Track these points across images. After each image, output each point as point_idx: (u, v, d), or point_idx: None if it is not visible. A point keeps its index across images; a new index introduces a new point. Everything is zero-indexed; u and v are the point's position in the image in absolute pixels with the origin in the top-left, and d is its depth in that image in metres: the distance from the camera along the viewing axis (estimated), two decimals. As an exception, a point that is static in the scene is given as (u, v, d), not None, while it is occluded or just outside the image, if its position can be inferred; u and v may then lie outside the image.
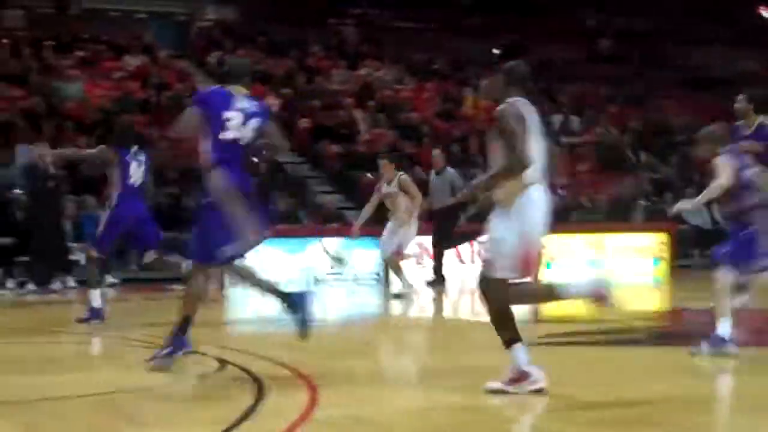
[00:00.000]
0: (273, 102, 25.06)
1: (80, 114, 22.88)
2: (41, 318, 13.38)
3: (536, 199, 6.92)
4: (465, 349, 10.11)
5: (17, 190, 17.65)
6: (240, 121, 8.43)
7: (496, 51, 33.56)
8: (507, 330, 6.95)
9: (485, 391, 6.88)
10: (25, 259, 17.24)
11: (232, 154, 8.47)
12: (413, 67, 30.26)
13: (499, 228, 6.98)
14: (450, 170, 17.86)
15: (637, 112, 30.06)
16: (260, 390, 7.13)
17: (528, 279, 7.35)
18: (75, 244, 17.53)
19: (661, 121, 29.89)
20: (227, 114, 8.43)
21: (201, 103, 8.81)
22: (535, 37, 33.20)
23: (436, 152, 18.42)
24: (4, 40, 26.70)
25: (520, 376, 6.83)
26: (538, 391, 6.77)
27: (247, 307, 15.96)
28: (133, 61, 26.86)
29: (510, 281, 7.02)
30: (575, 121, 27.88)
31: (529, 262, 7.01)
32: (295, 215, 20.75)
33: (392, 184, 15.67)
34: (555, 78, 30.13)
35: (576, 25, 36.51)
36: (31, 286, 16.41)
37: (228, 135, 8.41)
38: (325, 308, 13.55)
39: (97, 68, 26.27)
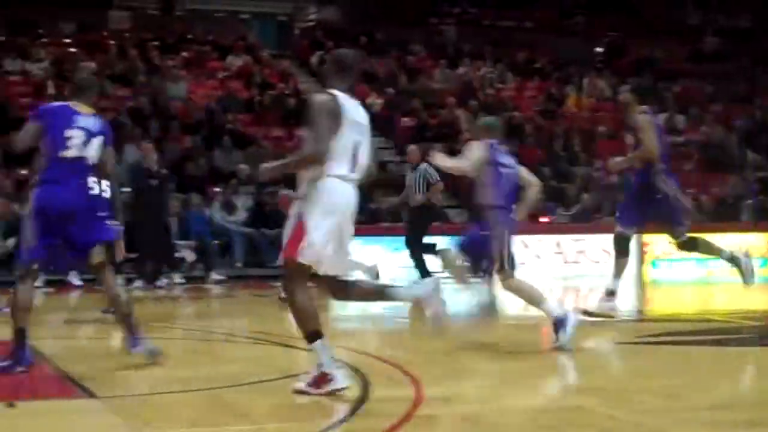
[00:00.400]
0: (376, 101, 25.13)
1: (185, 113, 23.10)
2: (149, 314, 13.48)
3: (334, 190, 6.73)
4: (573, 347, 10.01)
5: (124, 189, 17.85)
6: (82, 140, 8.19)
7: (597, 50, 33.32)
8: (308, 324, 6.79)
9: (293, 391, 6.82)
10: (133, 256, 17.40)
11: (68, 172, 8.15)
12: (514, 65, 30.09)
13: (298, 216, 6.81)
14: (423, 165, 17.67)
15: (743, 111, 29.54)
16: (367, 386, 7.13)
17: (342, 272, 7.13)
18: (180, 242, 17.70)
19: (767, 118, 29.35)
20: (68, 132, 8.18)
21: (40, 118, 8.47)
22: (637, 35, 32.85)
23: (412, 147, 18.16)
24: (111, 42, 27.07)
25: (321, 378, 6.70)
26: (339, 391, 6.66)
27: (352, 306, 16.01)
28: (236, 61, 27.08)
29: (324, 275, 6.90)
30: (680, 120, 27.46)
31: (318, 252, 6.76)
32: (398, 214, 20.72)
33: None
34: (658, 77, 29.74)
35: (678, 24, 35.99)
36: (138, 283, 16.55)
37: (68, 153, 8.15)
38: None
39: (202, 68, 26.52)
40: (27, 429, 6.11)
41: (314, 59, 27.72)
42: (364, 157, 6.87)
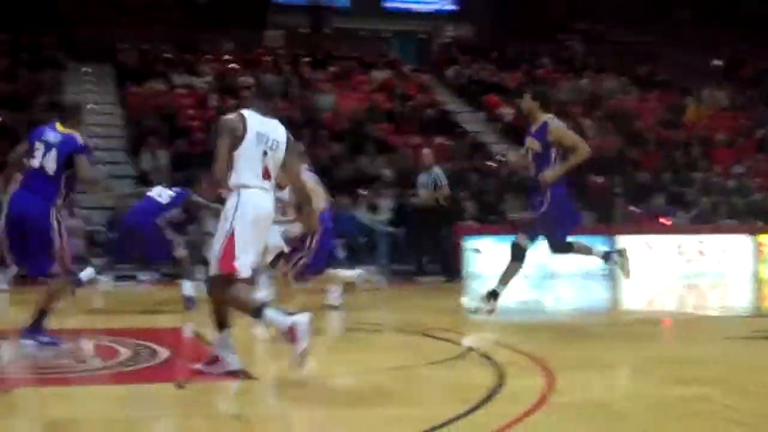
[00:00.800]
0: (507, 111, 25.05)
1: (333, 123, 23.28)
2: (312, 303, 13.60)
3: (246, 202, 6.78)
4: (694, 341, 9.83)
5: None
6: (42, 151, 8.61)
7: (716, 62, 32.67)
8: (218, 319, 6.99)
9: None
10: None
11: (31, 180, 8.63)
12: (637, 78, 29.68)
13: (216, 228, 6.98)
14: (436, 169, 17.38)
15: None
16: (501, 374, 7.09)
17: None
18: (334, 240, 17.82)
19: None
20: (36, 143, 8.69)
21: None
22: (754, 48, 32.08)
23: (427, 151, 17.89)
24: (267, 58, 27.42)
25: (215, 359, 6.93)
26: (232, 373, 6.77)
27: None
28: (379, 75, 27.20)
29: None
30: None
31: (228, 260, 6.79)
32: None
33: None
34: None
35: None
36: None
37: (33, 162, 8.63)
38: (560, 300, 13.42)
39: (348, 82, 26.69)
40: (199, 406, 6.22)
41: (450, 73, 27.73)
42: (275, 171, 7.00)
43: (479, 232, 18.99)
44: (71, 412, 6.05)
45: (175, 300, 12.69)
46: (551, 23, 33.55)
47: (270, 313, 6.83)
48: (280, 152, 7.04)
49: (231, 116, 6.99)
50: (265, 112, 7.07)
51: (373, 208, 19.26)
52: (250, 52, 27.87)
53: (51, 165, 8.59)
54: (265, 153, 6.90)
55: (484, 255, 18.61)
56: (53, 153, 8.61)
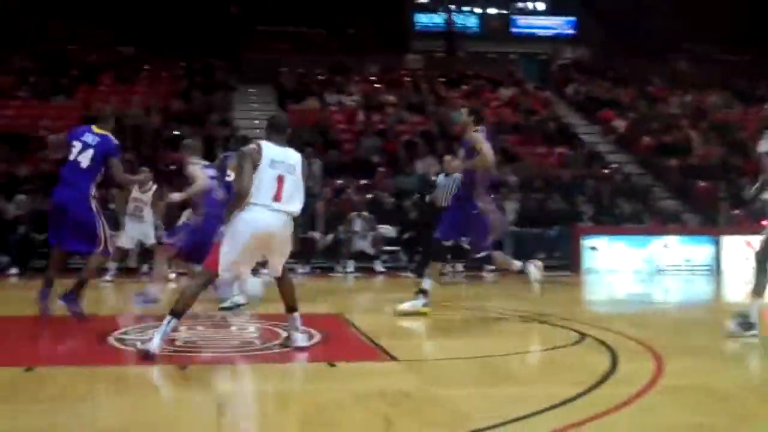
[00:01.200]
0: (620, 123, 24.72)
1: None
2: (438, 295, 13.60)
3: (246, 217, 7.01)
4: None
5: (416, 195, 18.11)
6: (79, 149, 9.25)
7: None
8: (182, 304, 6.96)
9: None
10: (421, 248, 17.67)
11: (68, 174, 9.30)
12: (738, 92, 28.91)
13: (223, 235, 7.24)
14: (457, 175, 16.78)
15: None
16: (614, 359, 7.01)
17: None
18: (462, 238, 17.77)
19: None
20: (74, 142, 9.32)
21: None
22: None
23: (448, 158, 17.38)
24: (407, 79, 27.56)
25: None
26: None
27: (601, 289, 15.78)
28: (506, 93, 27.08)
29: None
30: None
31: (214, 261, 7.06)
32: (640, 217, 20.30)
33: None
34: None
35: None
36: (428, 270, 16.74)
37: (70, 158, 9.31)
38: (667, 293, 13.20)
39: (479, 98, 26.58)
40: (348, 382, 6.30)
41: (569, 90, 27.43)
42: (290, 191, 7.18)
43: (595, 232, 18.84)
44: (241, 387, 6.20)
45: (327, 290, 12.85)
46: (660, 44, 32.99)
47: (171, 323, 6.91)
48: (297, 174, 7.26)
49: (247, 148, 7.32)
50: (281, 143, 7.32)
51: (500, 210, 19.20)
52: (392, 73, 28.03)
53: (86, 161, 9.22)
54: (278, 176, 7.14)
55: (600, 252, 18.48)
56: (90, 152, 9.25)
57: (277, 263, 7.37)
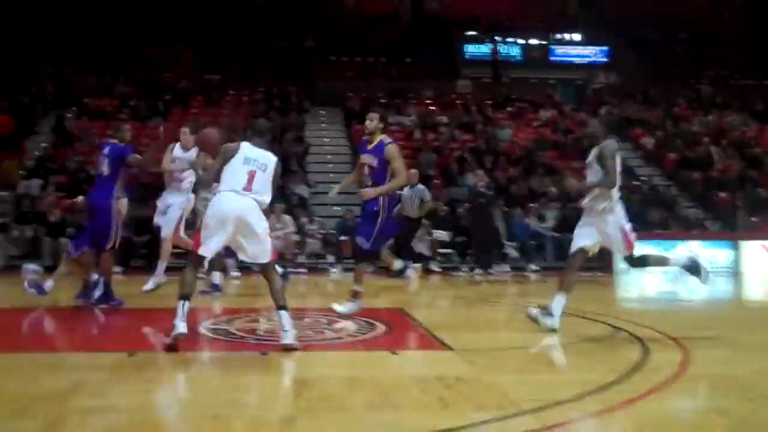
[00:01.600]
0: (648, 140, 24.48)
1: (510, 151, 23.18)
2: (485, 293, 13.58)
3: (216, 200, 7.05)
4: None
5: (466, 204, 18.10)
6: (101, 160, 9.75)
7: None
8: (183, 289, 6.87)
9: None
10: (472, 252, 17.66)
11: (97, 182, 9.87)
12: (755, 113, 28.45)
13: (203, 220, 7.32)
14: (420, 186, 16.20)
15: None
16: (645, 350, 6.94)
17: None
18: (508, 242, 17.76)
19: None
20: (100, 156, 9.82)
21: None
22: None
23: (413, 171, 17.04)
24: (458, 102, 27.55)
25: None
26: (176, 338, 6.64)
27: (632, 287, 15.61)
28: (546, 114, 26.94)
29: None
30: None
31: (197, 244, 7.05)
32: (666, 224, 20.05)
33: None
34: None
35: None
36: (477, 271, 16.73)
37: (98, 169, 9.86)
38: (692, 292, 12.97)
39: (521, 119, 26.54)
40: (409, 369, 6.30)
41: (602, 111, 27.20)
42: (260, 184, 7.10)
43: (627, 237, 18.66)
44: (315, 371, 6.23)
45: (389, 287, 12.87)
46: (685, 70, 32.69)
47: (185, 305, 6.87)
48: (268, 172, 7.23)
49: (226, 147, 7.35)
50: (259, 144, 7.32)
51: (541, 218, 19.10)
52: (445, 97, 28.02)
53: (106, 170, 9.69)
54: (249, 171, 7.13)
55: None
56: (107, 161, 9.69)
57: (253, 250, 7.13)
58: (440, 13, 34.02)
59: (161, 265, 10.96)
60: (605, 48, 34.49)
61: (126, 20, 31.35)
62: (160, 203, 11.03)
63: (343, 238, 17.55)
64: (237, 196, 7.02)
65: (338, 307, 9.15)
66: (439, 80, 29.48)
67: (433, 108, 26.79)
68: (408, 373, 6.12)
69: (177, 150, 10.88)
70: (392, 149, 9.07)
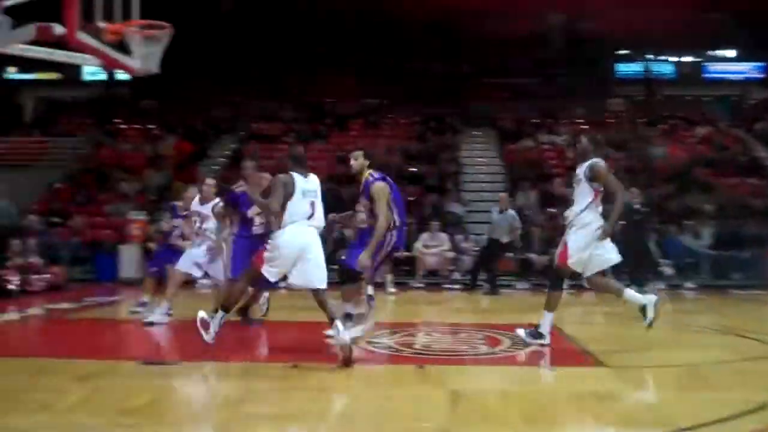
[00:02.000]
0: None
1: (664, 169, 22.51)
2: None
3: (287, 233, 7.25)
4: None
5: (620, 222, 17.56)
6: None
7: None
8: (227, 301, 7.60)
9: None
10: (626, 269, 17.19)
11: None
12: None
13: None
14: (511, 212, 15.90)
15: None
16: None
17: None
18: (662, 260, 17.22)
19: None
20: None
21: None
22: None
23: (503, 195, 16.35)
24: (610, 120, 26.98)
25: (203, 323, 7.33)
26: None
27: None
28: (701, 131, 25.99)
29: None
30: None
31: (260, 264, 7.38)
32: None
33: None
34: None
35: None
36: (632, 288, 16.30)
37: None
38: None
39: (676, 137, 25.71)
40: (557, 384, 6.16)
41: (759, 127, 26.07)
42: (319, 212, 7.46)
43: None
44: (470, 385, 6.20)
45: (543, 304, 12.68)
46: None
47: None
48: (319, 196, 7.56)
49: (284, 176, 7.47)
50: (302, 172, 7.52)
51: (697, 235, 18.42)
52: (597, 116, 27.47)
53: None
54: (310, 202, 7.43)
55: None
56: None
57: (313, 274, 7.30)
58: (592, 33, 33.47)
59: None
60: (761, 64, 33.11)
61: (290, 49, 32.33)
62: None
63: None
64: (305, 228, 7.34)
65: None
66: (590, 99, 28.94)
67: (585, 127, 26.32)
68: (562, 388, 5.99)
69: (195, 203, 10.43)
70: (375, 189, 8.18)
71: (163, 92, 27.94)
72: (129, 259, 16.62)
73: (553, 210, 19.90)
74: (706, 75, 33.28)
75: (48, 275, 14.72)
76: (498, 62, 31.29)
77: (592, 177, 7.82)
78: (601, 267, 7.99)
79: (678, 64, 33.19)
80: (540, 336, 7.83)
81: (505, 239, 15.70)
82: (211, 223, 10.16)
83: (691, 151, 24.07)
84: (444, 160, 22.91)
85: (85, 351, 8.00)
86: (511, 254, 17.17)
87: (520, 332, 7.97)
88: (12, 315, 11.13)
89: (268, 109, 27.80)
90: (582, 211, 7.86)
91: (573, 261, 7.77)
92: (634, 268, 16.63)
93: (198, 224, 10.19)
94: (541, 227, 18.40)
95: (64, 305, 10.69)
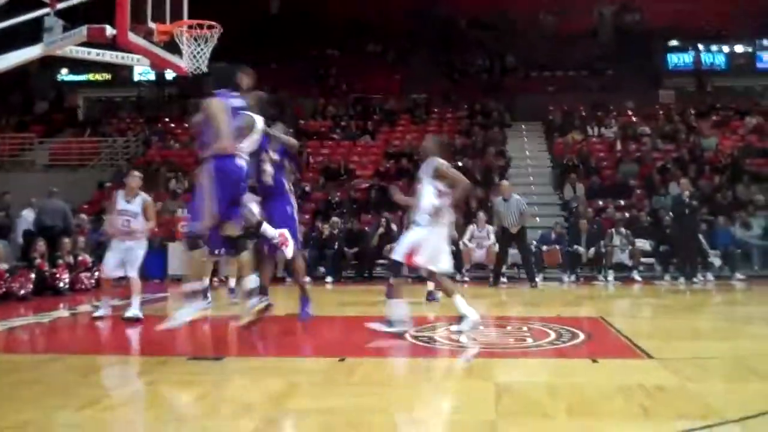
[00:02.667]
0: None
1: (714, 160, 22.19)
2: (687, 301, 13.05)
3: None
4: None
5: (670, 213, 17.39)
6: None
7: None
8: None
9: None
10: (676, 261, 17.02)
11: None
12: None
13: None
14: (516, 197, 15.68)
15: None
16: None
17: None
18: (711, 251, 17.01)
19: None
20: None
21: None
22: None
23: (504, 183, 16.21)
24: (661, 112, 26.66)
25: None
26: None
27: None
28: (752, 121, 25.56)
29: None
30: None
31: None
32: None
33: None
34: None
35: None
36: (681, 280, 16.16)
37: None
38: None
39: (727, 127, 25.32)
40: (607, 376, 6.13)
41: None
42: None
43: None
44: (516, 378, 6.19)
45: (590, 296, 12.61)
46: None
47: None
48: None
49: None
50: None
51: (747, 226, 18.14)
52: (647, 107, 27.15)
53: None
54: None
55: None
56: None
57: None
58: (641, 24, 33.07)
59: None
60: (814, 53, 32.44)
61: (335, 47, 32.50)
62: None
63: (545, 248, 17.36)
64: None
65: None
66: (640, 91, 28.62)
67: (635, 119, 26.06)
68: (609, 381, 5.95)
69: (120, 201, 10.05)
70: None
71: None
72: (177, 257, 16.80)
73: (600, 202, 19.82)
74: (759, 65, 32.67)
75: (97, 273, 14.97)
76: (546, 56, 31.08)
77: (436, 176, 8.08)
78: (434, 265, 8.10)
79: (730, 54, 32.65)
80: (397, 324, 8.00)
81: (514, 229, 15.61)
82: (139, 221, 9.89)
83: (742, 142, 23.72)
84: (491, 153, 22.85)
85: (134, 348, 8.15)
86: (557, 246, 17.12)
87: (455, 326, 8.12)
88: (63, 312, 11.35)
89: (315, 107, 27.96)
90: (428, 208, 8.01)
91: (418, 258, 8.01)
92: (684, 260, 16.49)
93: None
94: (590, 220, 18.27)
95: (114, 302, 10.84)
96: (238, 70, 7.81)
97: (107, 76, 32.78)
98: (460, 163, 22.12)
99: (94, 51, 9.39)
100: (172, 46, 9.39)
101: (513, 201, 15.67)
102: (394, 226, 17.43)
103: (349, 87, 29.96)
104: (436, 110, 27.86)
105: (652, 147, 23.32)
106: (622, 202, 20.14)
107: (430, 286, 11.48)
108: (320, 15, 32.77)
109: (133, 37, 8.42)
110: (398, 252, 8.10)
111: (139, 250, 10.09)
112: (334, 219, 18.27)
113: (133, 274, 9.94)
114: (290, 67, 31.15)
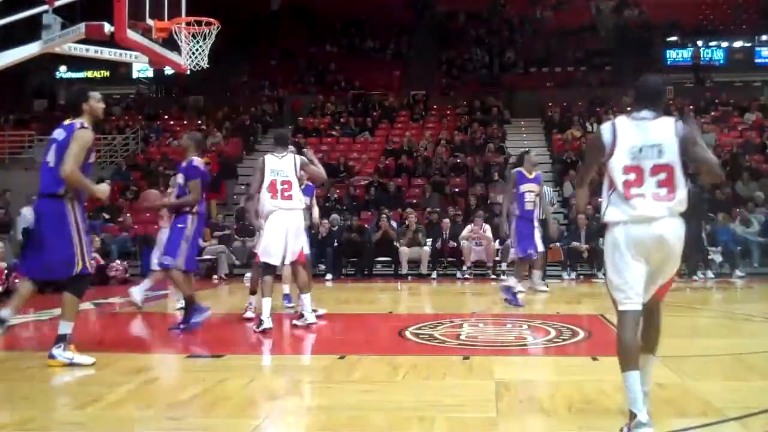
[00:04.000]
0: None
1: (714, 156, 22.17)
2: (688, 298, 13.02)
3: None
4: None
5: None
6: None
7: None
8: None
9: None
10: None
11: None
12: None
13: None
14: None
15: None
16: None
17: None
18: (711, 248, 17.00)
19: None
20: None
21: None
22: None
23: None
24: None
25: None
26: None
27: None
28: (751, 117, 25.57)
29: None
30: None
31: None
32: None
33: None
34: None
35: None
36: (681, 277, 16.18)
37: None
38: None
39: (726, 123, 25.31)
40: (609, 375, 6.14)
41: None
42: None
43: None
44: (516, 375, 6.19)
45: (589, 293, 12.60)
46: None
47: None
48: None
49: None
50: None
51: (747, 223, 18.13)
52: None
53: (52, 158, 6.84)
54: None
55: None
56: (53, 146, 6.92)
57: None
58: (640, 20, 33.06)
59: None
60: (813, 48, 32.44)
61: (334, 44, 32.48)
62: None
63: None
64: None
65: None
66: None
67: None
68: (609, 378, 5.94)
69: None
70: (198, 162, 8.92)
71: (211, 88, 28.23)
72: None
73: (599, 199, 19.77)
74: (758, 60, 32.68)
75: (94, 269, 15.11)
76: (545, 51, 31.07)
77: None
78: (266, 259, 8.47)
79: (728, 49, 32.64)
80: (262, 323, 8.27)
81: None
82: None
83: (741, 138, 23.72)
84: (490, 150, 22.84)
85: (134, 345, 8.15)
86: (558, 243, 17.10)
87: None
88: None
89: (314, 104, 27.94)
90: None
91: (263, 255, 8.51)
92: (684, 257, 16.47)
93: None
94: (587, 217, 18.25)
95: (112, 300, 10.85)
96: None
97: (106, 74, 32.76)
98: (459, 160, 22.17)
99: (92, 48, 9.41)
100: (171, 43, 9.41)
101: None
102: (393, 223, 17.43)
103: (348, 83, 29.95)
104: (435, 106, 27.85)
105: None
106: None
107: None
108: (319, 11, 32.78)
109: (131, 34, 8.44)
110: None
111: None
112: (334, 216, 18.24)
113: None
114: (289, 63, 31.18)
